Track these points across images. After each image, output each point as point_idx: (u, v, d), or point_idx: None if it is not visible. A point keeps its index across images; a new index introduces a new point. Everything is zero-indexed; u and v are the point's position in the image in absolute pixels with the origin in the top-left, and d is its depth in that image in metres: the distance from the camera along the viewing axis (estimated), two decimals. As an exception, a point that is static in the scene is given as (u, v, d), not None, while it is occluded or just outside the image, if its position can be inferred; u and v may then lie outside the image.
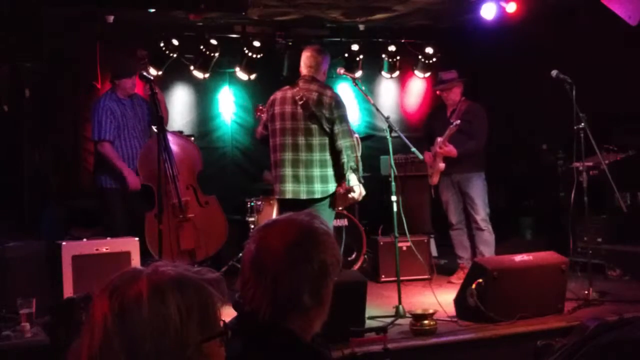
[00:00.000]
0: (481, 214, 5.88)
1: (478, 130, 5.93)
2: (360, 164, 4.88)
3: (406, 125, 8.15)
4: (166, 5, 6.07)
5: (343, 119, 4.81)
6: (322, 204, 4.85)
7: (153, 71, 6.79)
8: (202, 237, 5.69)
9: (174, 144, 5.78)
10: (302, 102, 4.80)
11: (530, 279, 4.42)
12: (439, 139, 5.89)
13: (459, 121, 5.76)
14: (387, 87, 8.36)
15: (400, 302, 4.56)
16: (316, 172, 4.81)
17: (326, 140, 4.82)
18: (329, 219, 4.78)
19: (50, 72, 6.51)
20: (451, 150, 5.83)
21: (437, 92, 6.33)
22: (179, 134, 6.36)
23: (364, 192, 4.82)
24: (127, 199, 5.53)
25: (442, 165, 5.91)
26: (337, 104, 4.82)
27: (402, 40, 7.98)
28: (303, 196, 4.82)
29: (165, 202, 5.33)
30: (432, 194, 6.26)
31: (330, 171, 4.83)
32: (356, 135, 5.41)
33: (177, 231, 5.52)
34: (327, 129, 4.80)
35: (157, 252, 4.84)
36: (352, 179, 4.76)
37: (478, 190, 5.91)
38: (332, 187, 4.84)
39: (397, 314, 4.47)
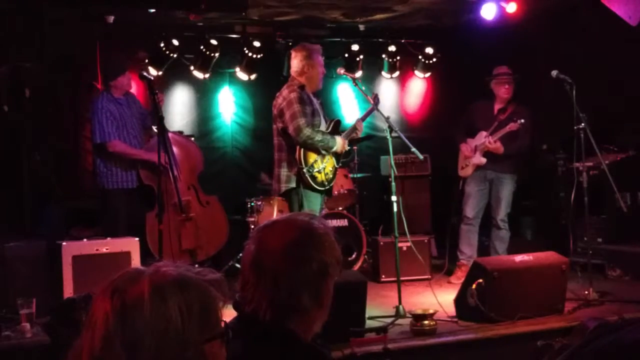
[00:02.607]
0: (501, 214, 5.92)
1: (526, 132, 5.86)
2: (326, 143, 4.90)
3: (406, 125, 8.16)
4: (166, 5, 6.07)
5: (293, 116, 4.80)
6: (291, 199, 4.96)
7: (153, 71, 6.79)
8: (203, 237, 5.70)
9: (175, 144, 5.78)
10: None
11: (530, 279, 4.41)
12: (485, 133, 5.88)
13: (522, 120, 5.70)
14: (387, 87, 8.35)
15: (400, 302, 4.55)
16: (275, 170, 5.02)
17: (282, 140, 4.95)
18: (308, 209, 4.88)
19: (50, 72, 6.50)
20: (499, 147, 5.82)
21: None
22: (180, 134, 6.37)
23: (338, 145, 4.97)
24: (129, 200, 5.52)
25: (483, 160, 5.90)
26: (288, 103, 4.84)
27: (402, 40, 7.98)
28: (275, 194, 5.17)
29: (167, 202, 5.33)
30: (460, 185, 6.17)
31: (282, 170, 4.94)
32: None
33: (179, 231, 5.53)
34: (280, 129, 4.92)
35: (157, 252, 4.84)
36: (337, 145, 4.96)
37: (507, 192, 5.94)
38: (283, 187, 4.92)
39: (397, 314, 4.46)
